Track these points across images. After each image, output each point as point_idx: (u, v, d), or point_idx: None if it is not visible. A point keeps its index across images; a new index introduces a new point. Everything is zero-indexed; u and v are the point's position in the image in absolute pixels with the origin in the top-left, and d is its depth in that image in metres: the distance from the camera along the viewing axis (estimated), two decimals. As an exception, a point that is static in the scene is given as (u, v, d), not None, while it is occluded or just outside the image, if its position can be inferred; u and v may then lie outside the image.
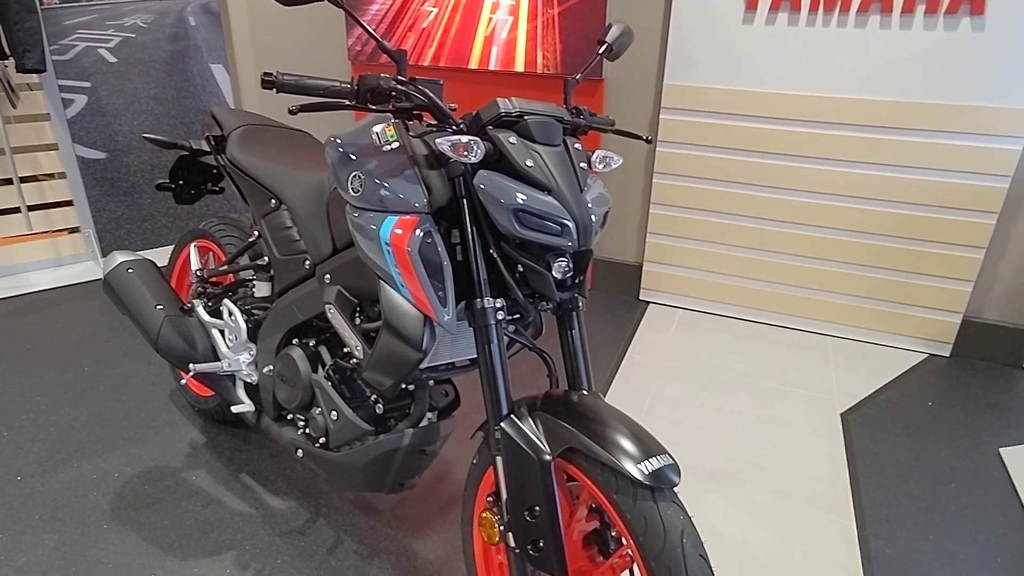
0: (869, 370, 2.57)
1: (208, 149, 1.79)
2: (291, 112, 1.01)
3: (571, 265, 1.09)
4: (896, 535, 1.73)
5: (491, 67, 2.89)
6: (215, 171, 1.96)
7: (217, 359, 1.69)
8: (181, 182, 1.93)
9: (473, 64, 2.92)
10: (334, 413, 1.35)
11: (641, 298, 3.12)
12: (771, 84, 2.58)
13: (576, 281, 1.11)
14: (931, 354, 2.72)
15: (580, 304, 1.18)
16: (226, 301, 1.65)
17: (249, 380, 1.62)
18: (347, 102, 1.05)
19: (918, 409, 2.32)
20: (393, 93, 1.04)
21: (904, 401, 2.37)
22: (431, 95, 1.05)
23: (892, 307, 2.72)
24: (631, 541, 0.95)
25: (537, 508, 1.02)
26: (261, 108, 3.66)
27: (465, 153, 1.01)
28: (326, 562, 1.56)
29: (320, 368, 1.42)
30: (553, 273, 1.07)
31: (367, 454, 1.32)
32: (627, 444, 0.97)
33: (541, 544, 1.02)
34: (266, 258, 1.61)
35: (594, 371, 2.45)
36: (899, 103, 2.44)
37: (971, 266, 2.56)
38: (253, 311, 1.65)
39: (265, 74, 0.99)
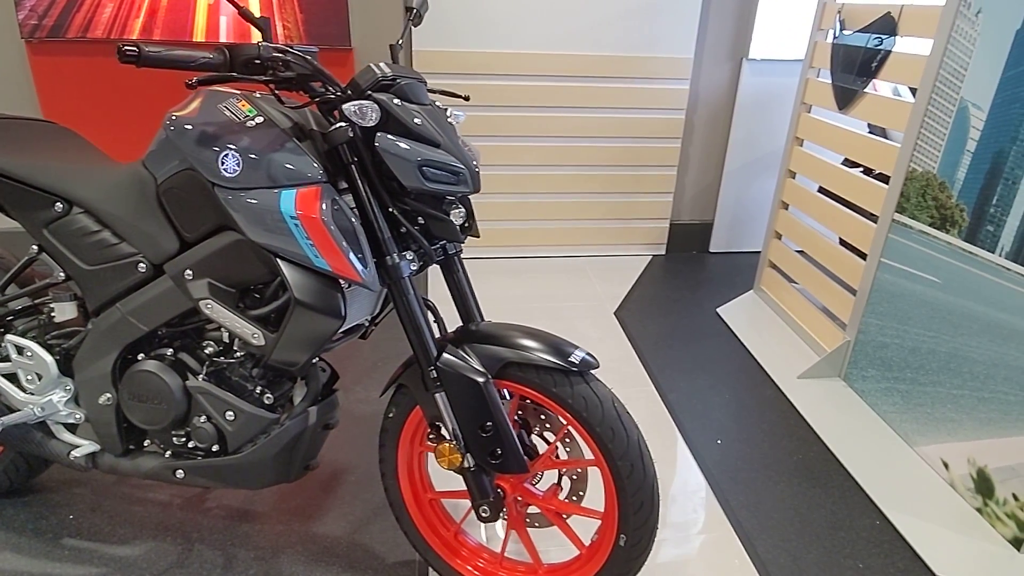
0: (619, 276, 3.17)
1: None
2: (189, 86, 0.91)
3: (463, 210, 1.21)
4: (680, 386, 2.27)
5: (223, 39, 2.66)
6: None
7: (10, 410, 1.38)
8: None
9: (199, 37, 2.65)
10: (230, 413, 1.25)
11: (421, 257, 3.28)
12: (510, 44, 2.90)
13: (467, 224, 1.24)
14: (653, 255, 3.46)
15: (462, 248, 1.31)
16: (11, 337, 1.34)
17: (73, 420, 1.36)
18: (226, 74, 0.97)
19: (659, 296, 2.98)
20: (271, 63, 1.01)
21: (649, 293, 3.01)
22: (315, 63, 1.04)
23: (623, 224, 3.36)
24: (575, 420, 1.15)
25: (489, 424, 1.15)
26: None
27: (361, 118, 1.05)
28: (228, 580, 1.45)
29: (190, 375, 1.29)
30: (452, 219, 1.18)
31: (276, 444, 1.27)
32: (550, 347, 1.16)
33: (499, 451, 1.16)
34: (60, 275, 1.35)
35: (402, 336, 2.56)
36: (607, 56, 2.97)
37: (669, 182, 3.30)
38: (54, 341, 1.38)
39: (127, 47, 0.87)
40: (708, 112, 3.22)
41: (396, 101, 1.11)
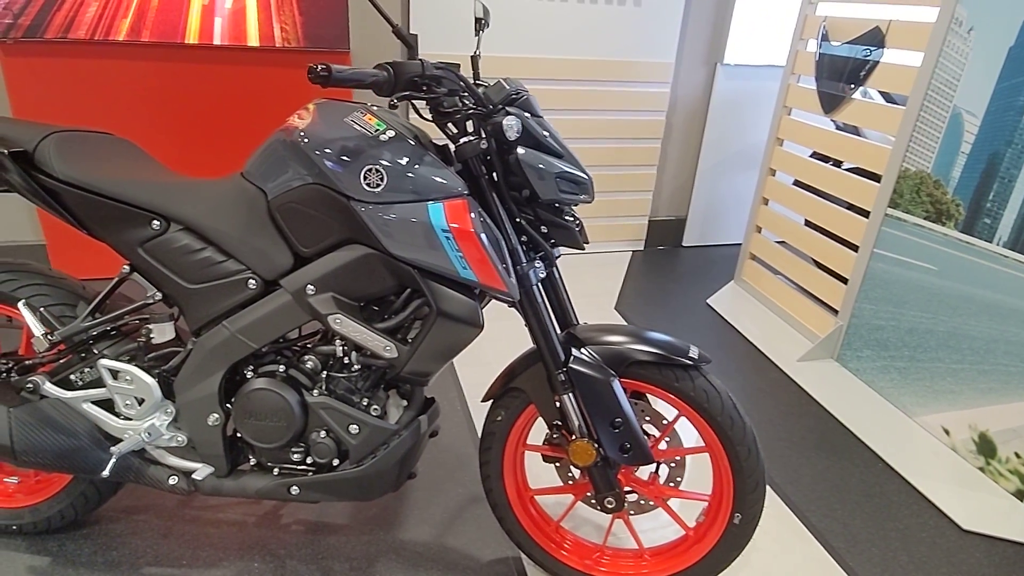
0: (608, 272, 3.30)
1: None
2: (392, 106, 0.92)
3: (577, 218, 1.27)
4: (698, 375, 2.42)
5: (216, 42, 2.56)
6: None
7: (108, 440, 1.33)
8: None
9: (191, 38, 2.53)
10: (354, 427, 1.26)
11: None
12: (499, 48, 2.95)
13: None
14: (634, 250, 3.62)
15: (560, 254, 1.37)
16: (105, 362, 1.28)
17: (176, 443, 1.32)
18: (406, 94, 0.99)
19: (650, 290, 3.13)
20: (428, 80, 1.03)
21: (641, 287, 3.16)
22: (466, 79, 1.06)
23: (607, 221, 3.50)
24: (696, 411, 1.24)
25: (619, 420, 1.23)
26: None
27: (510, 131, 1.10)
28: (328, 594, 1.44)
29: (304, 391, 1.28)
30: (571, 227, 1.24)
31: (395, 454, 1.29)
32: (667, 344, 1.25)
33: (628, 446, 1.24)
34: (157, 295, 1.30)
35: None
36: (593, 61, 3.08)
37: (649, 180, 3.46)
38: (152, 363, 1.32)
39: (322, 68, 0.88)
40: (685, 114, 3.41)
41: (526, 114, 1.16)
